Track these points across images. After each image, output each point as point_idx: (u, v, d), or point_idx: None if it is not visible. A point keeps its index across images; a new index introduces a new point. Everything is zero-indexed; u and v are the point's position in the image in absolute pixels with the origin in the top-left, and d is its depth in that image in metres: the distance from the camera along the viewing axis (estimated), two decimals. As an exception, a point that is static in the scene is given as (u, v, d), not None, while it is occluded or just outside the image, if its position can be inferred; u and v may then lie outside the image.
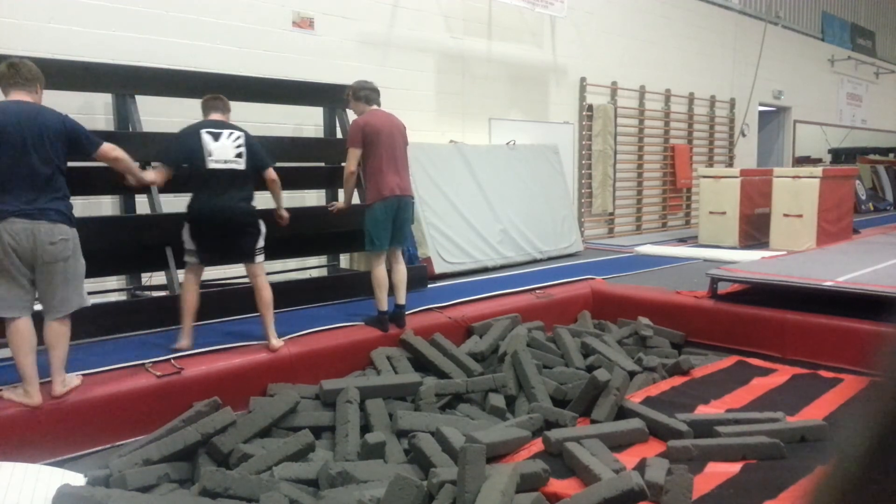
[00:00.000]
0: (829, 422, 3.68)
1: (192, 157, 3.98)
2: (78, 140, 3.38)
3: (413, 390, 3.95)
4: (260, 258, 4.18)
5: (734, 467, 3.18)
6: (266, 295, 4.14)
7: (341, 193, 5.01)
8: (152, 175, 4.00)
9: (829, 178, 8.37)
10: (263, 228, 4.20)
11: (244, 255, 4.17)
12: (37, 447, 3.20)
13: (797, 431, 3.48)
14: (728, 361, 4.87)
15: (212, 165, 3.97)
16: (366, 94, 4.77)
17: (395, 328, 4.67)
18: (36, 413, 3.24)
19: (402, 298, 4.75)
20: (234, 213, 4.04)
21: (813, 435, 3.47)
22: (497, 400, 4.00)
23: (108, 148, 3.52)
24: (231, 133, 4.09)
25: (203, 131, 4.02)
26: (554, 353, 4.71)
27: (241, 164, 4.07)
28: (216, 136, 4.03)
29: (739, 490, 2.98)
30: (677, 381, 4.46)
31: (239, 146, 4.08)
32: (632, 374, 4.36)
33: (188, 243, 4.06)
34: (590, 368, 4.49)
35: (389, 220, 4.62)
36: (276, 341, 4.14)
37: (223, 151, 4.02)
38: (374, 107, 4.78)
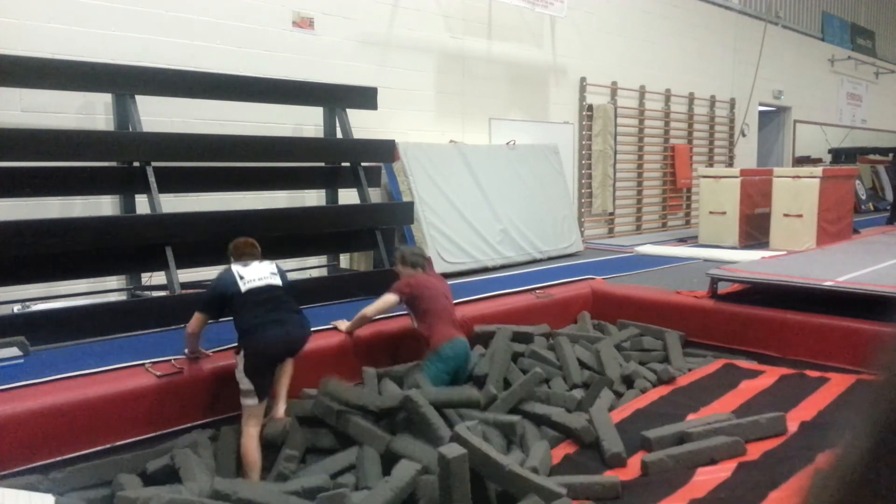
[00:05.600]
0: (818, 421, 3.69)
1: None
2: None
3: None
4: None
5: (726, 471, 3.18)
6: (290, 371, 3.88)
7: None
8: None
9: (829, 178, 8.37)
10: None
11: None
12: (36, 449, 3.20)
13: (758, 426, 3.58)
14: (715, 365, 4.83)
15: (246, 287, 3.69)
16: (414, 259, 4.58)
17: None
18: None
19: None
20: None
21: (773, 428, 3.57)
22: None
23: None
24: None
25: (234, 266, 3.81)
26: (553, 365, 4.68)
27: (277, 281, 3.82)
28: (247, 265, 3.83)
29: (732, 493, 2.98)
30: (664, 390, 4.41)
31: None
32: (620, 394, 4.42)
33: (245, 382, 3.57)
34: (586, 385, 4.46)
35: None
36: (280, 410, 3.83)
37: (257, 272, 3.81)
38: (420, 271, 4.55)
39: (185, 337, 3.80)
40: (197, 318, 3.69)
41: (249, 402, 3.51)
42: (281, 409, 3.77)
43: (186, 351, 3.84)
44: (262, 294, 3.68)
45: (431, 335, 4.22)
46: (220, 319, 3.82)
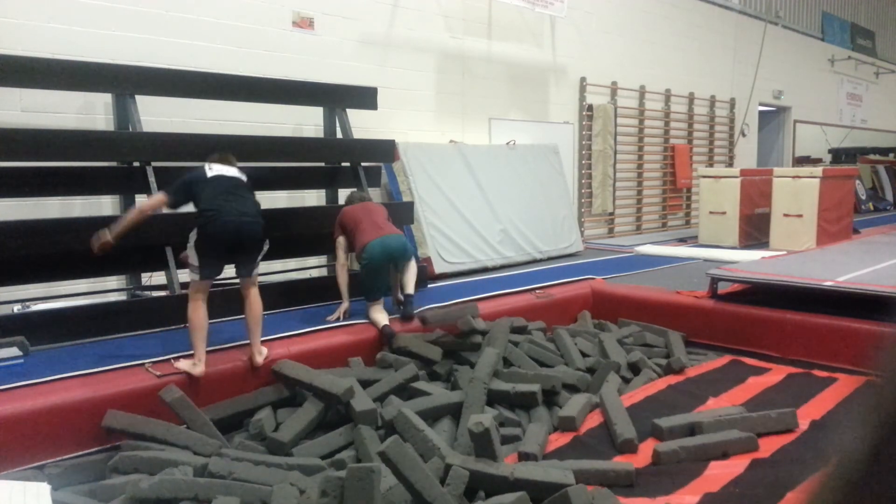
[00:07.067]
0: (828, 420, 3.69)
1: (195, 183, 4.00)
2: None
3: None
4: (257, 271, 4.10)
5: (739, 466, 3.19)
6: (259, 309, 4.03)
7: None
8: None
9: (829, 178, 8.37)
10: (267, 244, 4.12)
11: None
12: (36, 449, 3.20)
13: (769, 420, 3.57)
14: (721, 361, 4.88)
15: (212, 174, 4.03)
16: (350, 198, 5.27)
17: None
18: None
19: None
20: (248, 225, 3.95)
21: (784, 423, 3.57)
22: None
23: None
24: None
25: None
26: (554, 353, 4.71)
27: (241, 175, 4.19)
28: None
29: (746, 490, 2.98)
30: (673, 379, 4.48)
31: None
32: (627, 380, 4.44)
33: (193, 258, 3.86)
34: (590, 371, 4.49)
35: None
36: (260, 357, 4.00)
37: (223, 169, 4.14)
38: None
39: (130, 211, 4.07)
40: (157, 196, 4.03)
41: (194, 276, 3.84)
42: (257, 356, 3.97)
43: (108, 230, 3.92)
44: (225, 182, 3.99)
45: (357, 249, 4.76)
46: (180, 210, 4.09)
